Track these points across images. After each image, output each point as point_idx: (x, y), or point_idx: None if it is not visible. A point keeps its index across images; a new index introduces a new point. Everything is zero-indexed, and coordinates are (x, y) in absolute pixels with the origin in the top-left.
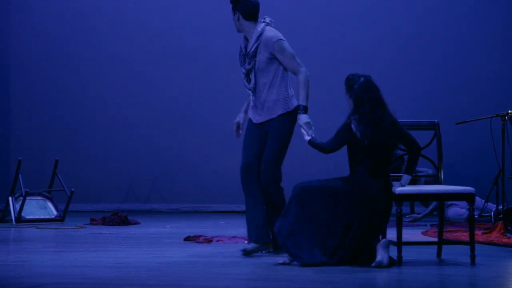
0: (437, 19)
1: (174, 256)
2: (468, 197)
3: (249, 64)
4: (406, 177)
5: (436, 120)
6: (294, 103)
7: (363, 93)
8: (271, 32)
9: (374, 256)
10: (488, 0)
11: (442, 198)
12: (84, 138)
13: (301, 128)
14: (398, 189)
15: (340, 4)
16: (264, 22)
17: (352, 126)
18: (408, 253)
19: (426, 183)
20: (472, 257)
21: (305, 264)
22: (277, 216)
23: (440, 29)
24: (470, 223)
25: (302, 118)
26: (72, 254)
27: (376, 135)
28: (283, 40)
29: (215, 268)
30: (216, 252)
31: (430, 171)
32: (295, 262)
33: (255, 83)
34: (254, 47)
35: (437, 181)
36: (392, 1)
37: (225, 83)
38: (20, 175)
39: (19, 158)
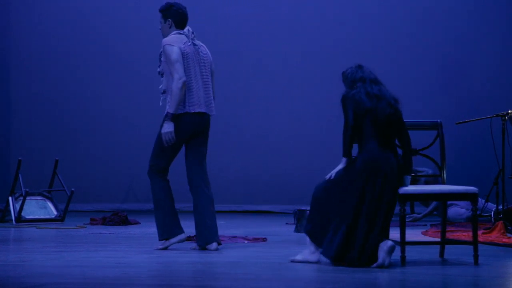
0: (437, 20)
1: (174, 256)
2: (471, 197)
3: (158, 67)
4: (406, 178)
5: (439, 120)
6: (181, 109)
7: (354, 74)
8: (167, 37)
9: (376, 256)
10: (488, 1)
11: (446, 198)
12: (84, 138)
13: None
14: (402, 188)
15: (340, 5)
16: (179, 30)
17: (350, 93)
18: (409, 253)
19: (426, 183)
20: (475, 257)
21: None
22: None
23: (440, 29)
24: (474, 223)
25: (163, 127)
26: (72, 254)
27: (379, 103)
28: (169, 45)
29: (215, 268)
30: (216, 252)
31: (430, 171)
32: (312, 259)
33: (166, 85)
34: (160, 51)
35: (436, 181)
36: (392, 1)
37: (225, 83)
38: (20, 175)
39: (19, 158)
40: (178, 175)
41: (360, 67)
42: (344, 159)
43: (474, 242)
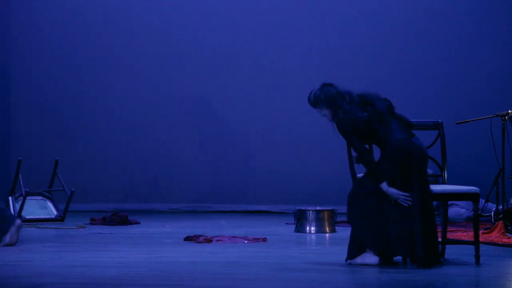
0: (437, 20)
1: (174, 256)
2: (473, 197)
3: None
4: None
5: (440, 120)
6: None
7: (329, 91)
8: None
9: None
10: (488, 1)
11: (448, 198)
12: (84, 138)
13: None
14: None
15: (341, 5)
16: None
17: (347, 116)
18: None
19: None
20: (477, 257)
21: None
22: None
23: (440, 29)
24: (475, 223)
25: None
26: (72, 254)
27: (374, 104)
28: None
29: (215, 268)
30: (216, 252)
31: (430, 171)
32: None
33: None
34: None
35: (437, 181)
36: (392, 2)
37: (225, 83)
38: (20, 175)
39: (19, 158)
40: (179, 176)
41: (327, 84)
42: (384, 185)
43: (476, 242)
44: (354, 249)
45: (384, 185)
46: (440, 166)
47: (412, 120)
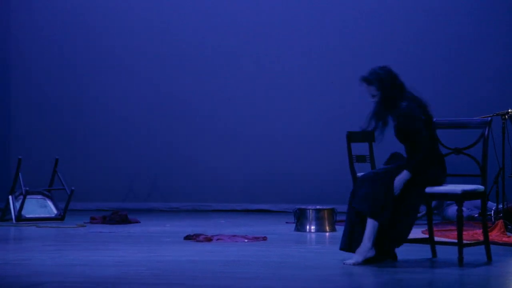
0: (437, 20)
1: (174, 255)
2: (480, 196)
3: None
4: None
5: (489, 118)
6: None
7: (395, 77)
8: None
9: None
10: (488, 1)
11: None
12: (84, 137)
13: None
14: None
15: (341, 4)
16: None
17: (411, 106)
18: (410, 253)
19: None
20: (489, 256)
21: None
22: None
23: (440, 29)
24: (484, 221)
25: None
26: (72, 253)
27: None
28: None
29: (215, 267)
30: (216, 251)
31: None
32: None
33: None
34: None
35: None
36: (393, 2)
37: (225, 83)
38: (20, 174)
39: (19, 157)
40: (179, 176)
41: (390, 69)
42: (407, 174)
43: (486, 242)
44: (350, 239)
45: (407, 175)
46: (481, 167)
47: (461, 118)
